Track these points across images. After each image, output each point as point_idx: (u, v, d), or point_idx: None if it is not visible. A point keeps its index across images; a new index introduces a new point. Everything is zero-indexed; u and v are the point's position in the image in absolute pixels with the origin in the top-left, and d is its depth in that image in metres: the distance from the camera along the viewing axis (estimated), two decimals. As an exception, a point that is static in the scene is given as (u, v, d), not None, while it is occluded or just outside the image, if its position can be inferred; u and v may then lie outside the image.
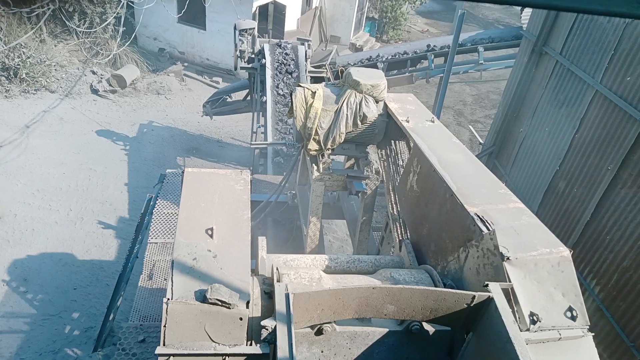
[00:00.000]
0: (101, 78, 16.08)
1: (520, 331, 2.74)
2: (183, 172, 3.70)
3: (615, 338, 6.21)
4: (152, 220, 6.35)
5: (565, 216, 7.47)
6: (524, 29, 9.59)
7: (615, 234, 6.34)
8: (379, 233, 5.98)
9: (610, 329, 6.27)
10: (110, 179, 12.12)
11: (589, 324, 3.05)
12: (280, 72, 10.87)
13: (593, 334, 3.07)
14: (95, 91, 15.83)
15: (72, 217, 10.71)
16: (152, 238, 6.12)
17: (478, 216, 3.30)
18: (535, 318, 2.91)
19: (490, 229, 3.16)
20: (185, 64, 18.61)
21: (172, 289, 2.71)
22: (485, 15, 28.69)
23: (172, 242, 2.87)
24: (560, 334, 2.95)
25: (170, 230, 6.18)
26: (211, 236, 3.05)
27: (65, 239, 10.09)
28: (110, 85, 16.01)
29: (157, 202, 6.51)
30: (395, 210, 4.84)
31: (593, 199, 6.80)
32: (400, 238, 4.53)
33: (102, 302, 8.44)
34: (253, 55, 11.34)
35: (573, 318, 3.01)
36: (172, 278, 2.77)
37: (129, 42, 16.12)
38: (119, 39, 15.87)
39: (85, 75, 16.07)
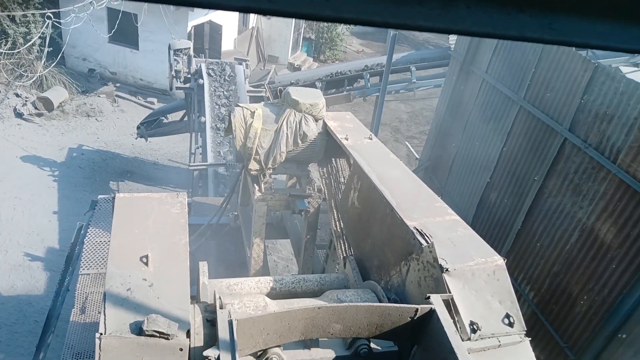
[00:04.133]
0: (26, 101, 15.15)
1: (462, 341, 2.80)
2: (114, 198, 3.52)
3: (550, 340, 6.52)
4: (84, 249, 5.98)
5: (497, 226, 7.83)
6: (452, 49, 10.11)
7: (544, 241, 6.71)
8: (324, 251, 5.97)
9: (545, 332, 6.58)
10: (38, 208, 11.35)
11: (526, 329, 3.17)
12: (218, 92, 10.74)
13: (530, 338, 3.20)
14: (19, 115, 14.87)
15: (-6, 250, 9.91)
16: (83, 269, 5.74)
17: (417, 230, 3.38)
18: (475, 327, 2.99)
19: (429, 242, 3.24)
20: (118, 85, 17.95)
21: (105, 322, 2.54)
22: (415, 36, 29.99)
23: (105, 272, 2.69)
24: (499, 341, 3.05)
25: (103, 259, 5.83)
26: (146, 264, 2.90)
27: (-14, 274, 9.30)
28: (36, 108, 15.11)
29: (88, 230, 6.15)
30: (338, 227, 4.86)
31: (522, 208, 7.18)
32: (345, 255, 4.54)
33: (31, 340, 7.80)
34: (189, 75, 11.15)
35: (510, 324, 3.12)
36: (104, 311, 2.60)
37: (55, 62, 15.33)
38: (44, 60, 15.06)
39: (8, 99, 15.08)
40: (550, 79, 6.88)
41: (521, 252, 7.19)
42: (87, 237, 6.00)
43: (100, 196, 6.55)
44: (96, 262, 5.80)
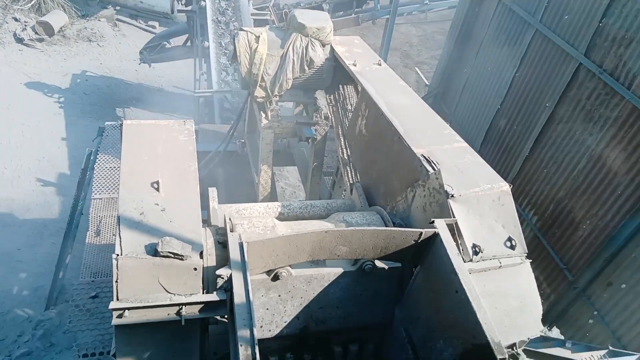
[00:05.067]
0: (25, 25, 14.72)
1: (464, 262, 2.91)
2: (121, 125, 3.53)
3: (550, 262, 6.74)
4: (94, 175, 6.08)
5: (505, 152, 7.82)
6: (468, -34, 9.51)
7: (551, 167, 6.73)
8: (331, 177, 6.05)
9: (546, 255, 6.79)
10: (46, 134, 11.42)
11: (527, 251, 3.28)
12: (221, 15, 10.35)
13: (530, 260, 3.32)
14: (20, 40, 14.51)
15: (7, 176, 10.11)
16: (95, 194, 5.88)
17: (424, 157, 3.39)
18: (477, 249, 3.09)
19: (436, 169, 3.26)
20: (118, 8, 17.30)
21: (120, 244, 2.65)
22: (429, -48, 28.19)
23: (117, 197, 2.76)
24: (500, 263, 3.16)
25: (114, 185, 5.96)
26: (157, 189, 2.97)
27: (3, 199, 9.56)
28: (36, 33, 14.71)
29: (97, 156, 6.22)
30: (345, 154, 4.88)
31: (532, 135, 7.12)
32: (351, 181, 4.60)
33: (50, 260, 8.17)
34: (191, -3, 10.71)
35: (512, 247, 3.22)
36: (119, 234, 2.70)
37: (52, -16, 14.74)
38: (41, -19, 14.47)
39: (7, 23, 14.65)
40: (569, 1, 6.54)
41: (527, 178, 7.24)
42: (96, 163, 6.09)
43: (107, 123, 6.56)
44: (107, 187, 5.93)
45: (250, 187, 6.83)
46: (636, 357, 4.86)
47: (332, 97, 5.52)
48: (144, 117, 12.43)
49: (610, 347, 5.03)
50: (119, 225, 2.75)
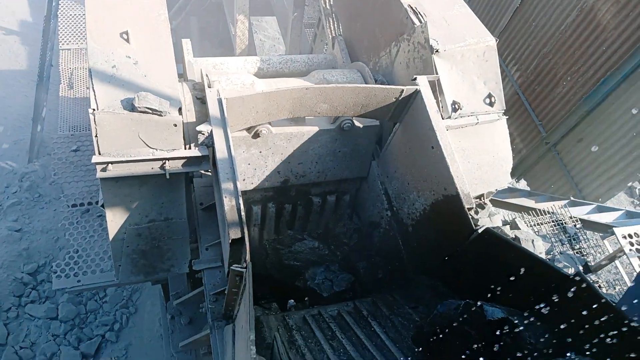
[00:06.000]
0: None
1: (442, 119, 2.95)
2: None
3: (526, 119, 6.91)
4: (59, 24, 5.66)
5: (495, 4, 7.43)
6: None
7: (540, 20, 6.48)
8: (312, 30, 5.75)
9: (523, 111, 6.93)
10: (-3, -25, 10.30)
11: (505, 108, 3.32)
12: None
13: (507, 117, 3.38)
14: None
15: (-38, 23, 9.37)
16: (63, 44, 5.54)
17: (411, 7, 3.20)
18: (456, 106, 3.12)
19: (422, 21, 3.11)
20: None
21: (95, 99, 2.57)
22: None
23: (86, 48, 2.60)
24: (478, 119, 3.22)
25: (81, 35, 5.59)
26: (127, 41, 2.79)
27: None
28: None
29: (59, 2, 5.72)
30: (327, 4, 4.57)
31: (525, -16, 6.72)
32: (334, 34, 4.39)
33: (25, 114, 8.04)
34: None
35: (491, 104, 3.25)
36: (92, 87, 2.61)
37: None
38: None
39: None
40: None
41: (514, 32, 7.01)
42: (60, 10, 5.63)
43: (65, -37, 5.91)
44: (75, 37, 5.58)
45: (227, 39, 6.50)
46: (593, 206, 5.31)
47: (314, -64, 4.98)
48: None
49: (572, 198, 5.46)
50: (91, 78, 2.64)
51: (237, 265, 2.23)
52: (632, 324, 1.77)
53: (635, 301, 2.02)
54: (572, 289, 1.96)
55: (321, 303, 3.08)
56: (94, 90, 2.61)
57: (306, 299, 3.16)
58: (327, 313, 2.84)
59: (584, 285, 1.94)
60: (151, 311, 6.16)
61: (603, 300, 1.86)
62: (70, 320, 6.08)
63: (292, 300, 3.10)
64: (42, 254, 6.67)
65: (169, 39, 2.93)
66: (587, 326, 1.91)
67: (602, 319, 1.86)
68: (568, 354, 1.90)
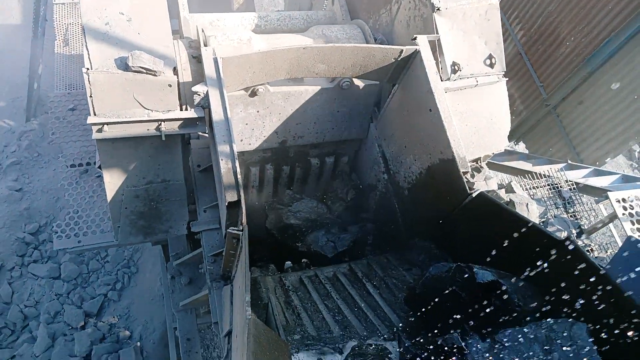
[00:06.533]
0: None
1: (441, 81, 2.92)
2: None
3: (527, 80, 6.80)
4: (51, -23, 5.48)
5: (502, -41, 7.19)
6: None
7: (546, -23, 6.29)
8: (311, -16, 5.56)
9: (525, 72, 6.81)
10: None
11: (505, 69, 3.27)
12: None
13: (507, 79, 3.33)
14: None
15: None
16: (56, -2, 5.40)
17: (413, -37, 3.10)
18: (456, 67, 3.07)
19: (424, -22, 3.01)
20: None
21: (89, 57, 2.53)
22: None
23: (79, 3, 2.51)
24: (477, 81, 3.18)
25: (74, -12, 5.43)
26: (120, -4, 2.71)
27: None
28: None
29: (49, -47, 5.52)
30: (326, -43, 4.41)
31: (533, -62, 6.46)
32: (333, -10, 4.26)
33: (22, 71, 7.90)
34: None
35: (491, 65, 3.20)
36: (86, 46, 2.56)
37: None
38: None
39: None
40: None
41: (520, -10, 6.82)
42: (50, -37, 5.43)
43: None
44: (67, -9, 5.42)
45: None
46: (590, 169, 5.32)
47: None
48: None
49: (569, 161, 5.46)
50: (85, 36, 2.59)
51: (233, 228, 2.26)
52: (617, 287, 1.82)
53: (621, 266, 2.06)
54: (562, 253, 2.00)
55: (318, 265, 3.14)
56: (87, 49, 2.56)
57: (303, 260, 3.21)
58: (322, 274, 2.90)
59: (571, 247, 1.97)
60: (152, 271, 6.27)
61: (587, 265, 1.90)
62: (72, 279, 6.19)
63: (289, 262, 3.16)
64: (42, 214, 6.72)
65: (163, -5, 2.84)
66: (574, 289, 1.96)
67: (591, 281, 1.90)
68: (556, 317, 1.95)
